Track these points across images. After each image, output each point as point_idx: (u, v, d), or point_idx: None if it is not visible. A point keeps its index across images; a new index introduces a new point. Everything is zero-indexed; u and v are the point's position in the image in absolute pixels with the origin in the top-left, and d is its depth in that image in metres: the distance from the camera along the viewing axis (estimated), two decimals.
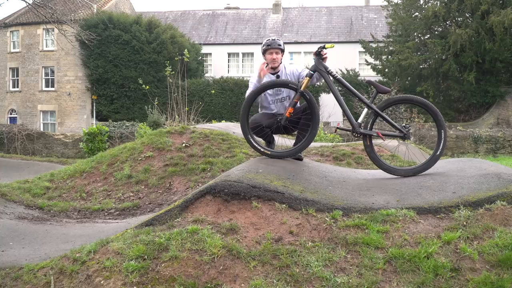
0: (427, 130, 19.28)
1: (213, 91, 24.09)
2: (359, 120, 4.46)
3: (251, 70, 30.98)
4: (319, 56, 4.49)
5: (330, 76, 4.50)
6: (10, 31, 28.88)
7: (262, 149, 4.62)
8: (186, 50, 11.56)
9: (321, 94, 25.82)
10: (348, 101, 24.37)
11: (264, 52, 4.81)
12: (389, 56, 24.13)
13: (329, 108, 23.78)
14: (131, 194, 6.47)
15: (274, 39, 4.80)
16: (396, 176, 4.35)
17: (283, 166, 4.36)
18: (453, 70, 21.36)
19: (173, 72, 11.15)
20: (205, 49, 30.93)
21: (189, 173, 6.61)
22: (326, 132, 13.42)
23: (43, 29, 26.77)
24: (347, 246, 3.10)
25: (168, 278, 2.94)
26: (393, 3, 24.10)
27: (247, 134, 4.58)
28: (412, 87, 23.16)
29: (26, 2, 15.36)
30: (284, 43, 4.95)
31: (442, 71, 21.85)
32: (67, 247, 3.87)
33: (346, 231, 3.22)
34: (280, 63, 4.86)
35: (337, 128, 4.69)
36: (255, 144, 4.59)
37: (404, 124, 4.45)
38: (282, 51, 4.81)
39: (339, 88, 15.28)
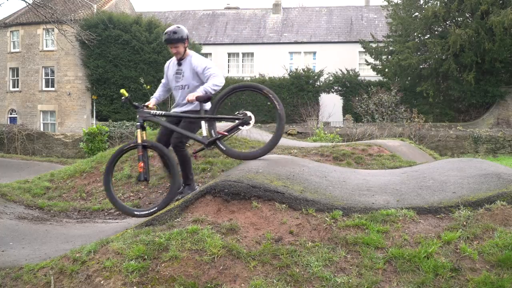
0: (427, 130, 19.28)
1: None
2: (204, 134, 4.45)
3: (251, 70, 30.94)
4: (137, 108, 4.52)
5: (157, 117, 4.56)
6: (10, 31, 28.85)
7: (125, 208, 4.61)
8: None
9: (321, 94, 25.84)
10: (348, 101, 24.40)
11: None
12: (389, 56, 24.12)
13: (329, 108, 23.80)
14: (131, 194, 6.47)
15: (170, 34, 4.52)
16: (396, 176, 4.38)
17: (283, 166, 4.36)
18: (452, 70, 21.35)
19: None
20: (205, 49, 30.87)
21: None
22: (326, 132, 13.43)
23: (43, 29, 26.74)
24: (347, 246, 3.10)
25: (168, 278, 2.94)
26: (393, 3, 24.08)
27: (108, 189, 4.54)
28: (412, 87, 23.19)
29: (26, 2, 15.36)
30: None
31: (442, 71, 21.84)
32: (67, 247, 3.87)
33: (346, 231, 3.22)
34: (185, 52, 4.65)
35: (194, 153, 4.65)
36: (115, 200, 4.55)
37: (238, 112, 4.44)
38: (181, 41, 4.55)
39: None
